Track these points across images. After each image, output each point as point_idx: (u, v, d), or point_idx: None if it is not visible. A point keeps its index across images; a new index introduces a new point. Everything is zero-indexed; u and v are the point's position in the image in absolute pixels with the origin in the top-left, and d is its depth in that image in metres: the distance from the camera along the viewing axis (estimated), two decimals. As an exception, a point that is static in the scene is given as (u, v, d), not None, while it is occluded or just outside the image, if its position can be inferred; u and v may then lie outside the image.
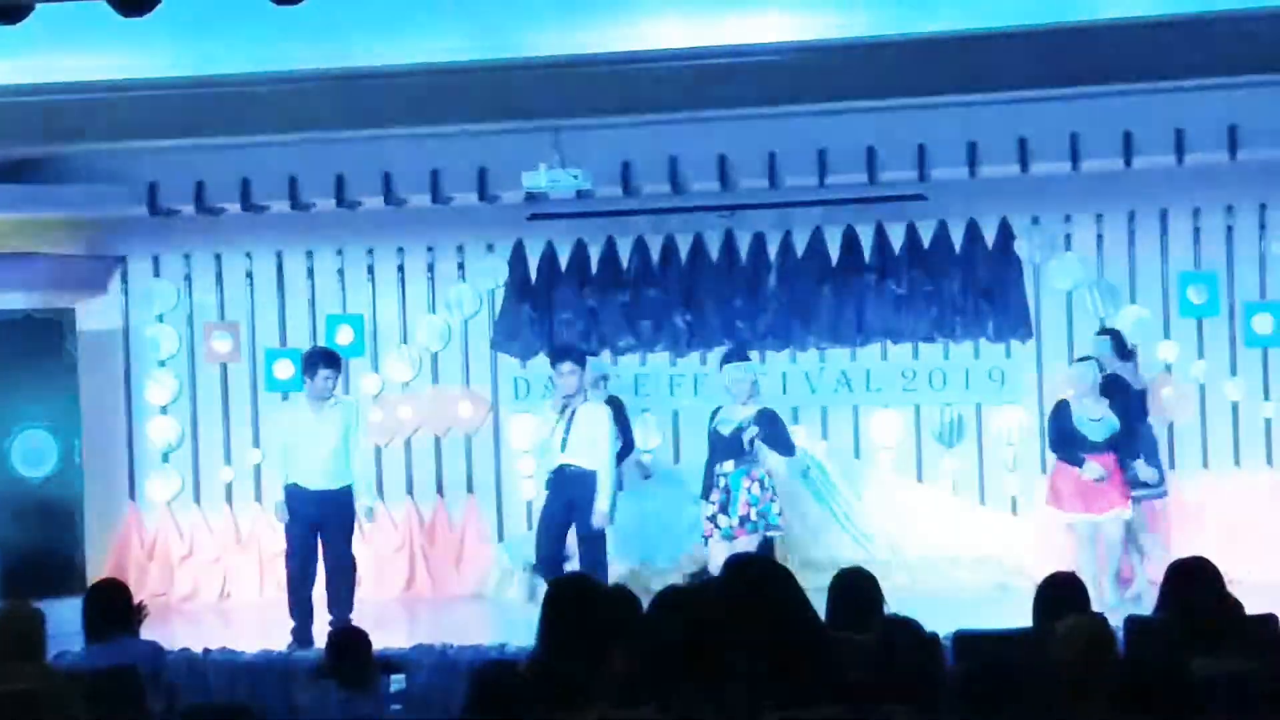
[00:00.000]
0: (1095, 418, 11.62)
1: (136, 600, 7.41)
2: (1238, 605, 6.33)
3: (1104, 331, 12.50)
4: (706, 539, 11.55)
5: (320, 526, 11.28)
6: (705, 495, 11.55)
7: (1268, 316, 12.90)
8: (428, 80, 10.45)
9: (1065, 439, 11.71)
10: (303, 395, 11.64)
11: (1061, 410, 11.79)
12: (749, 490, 11.37)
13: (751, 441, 11.44)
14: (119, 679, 6.70)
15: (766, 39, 10.02)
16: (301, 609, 11.27)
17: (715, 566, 11.22)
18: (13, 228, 13.10)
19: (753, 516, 11.37)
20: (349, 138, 11.72)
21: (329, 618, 11.19)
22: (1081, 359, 11.98)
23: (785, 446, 11.81)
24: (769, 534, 11.51)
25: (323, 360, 11.49)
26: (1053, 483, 11.89)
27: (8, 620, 6.32)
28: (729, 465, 11.43)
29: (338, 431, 11.30)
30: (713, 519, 11.43)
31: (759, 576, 5.99)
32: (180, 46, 10.16)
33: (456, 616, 11.70)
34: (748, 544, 11.26)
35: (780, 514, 11.54)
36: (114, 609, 7.07)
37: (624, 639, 5.74)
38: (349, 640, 7.53)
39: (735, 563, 6.24)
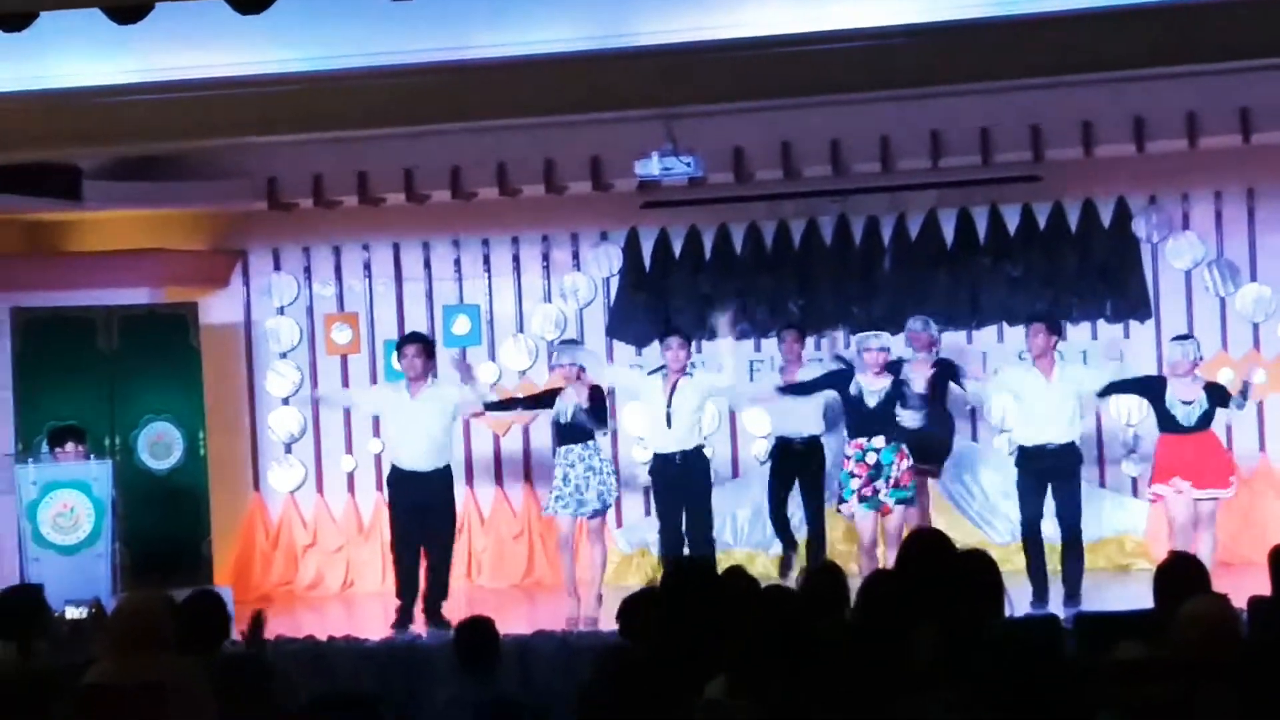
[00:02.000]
0: (1187, 400, 11.15)
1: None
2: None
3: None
4: (840, 509, 11.42)
5: (423, 509, 11.41)
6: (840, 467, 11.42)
7: (1392, 293, 12.74)
8: (540, 70, 10.49)
9: (1158, 417, 11.33)
10: (403, 380, 11.68)
11: (1153, 386, 11.37)
12: (900, 466, 11.26)
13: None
14: (248, 668, 6.79)
15: (874, 22, 9.98)
16: (406, 590, 11.41)
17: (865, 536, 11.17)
18: (136, 224, 13.37)
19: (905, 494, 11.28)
20: (463, 129, 11.81)
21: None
22: (1179, 338, 11.54)
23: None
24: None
25: (405, 340, 11.69)
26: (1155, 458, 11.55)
27: (139, 609, 6.42)
28: (879, 441, 11.33)
29: (435, 414, 11.41)
30: (858, 490, 11.23)
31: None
32: (296, 42, 10.28)
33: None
34: (898, 519, 11.22)
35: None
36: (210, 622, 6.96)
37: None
38: (477, 628, 7.61)
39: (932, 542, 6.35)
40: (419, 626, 11.18)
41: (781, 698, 5.44)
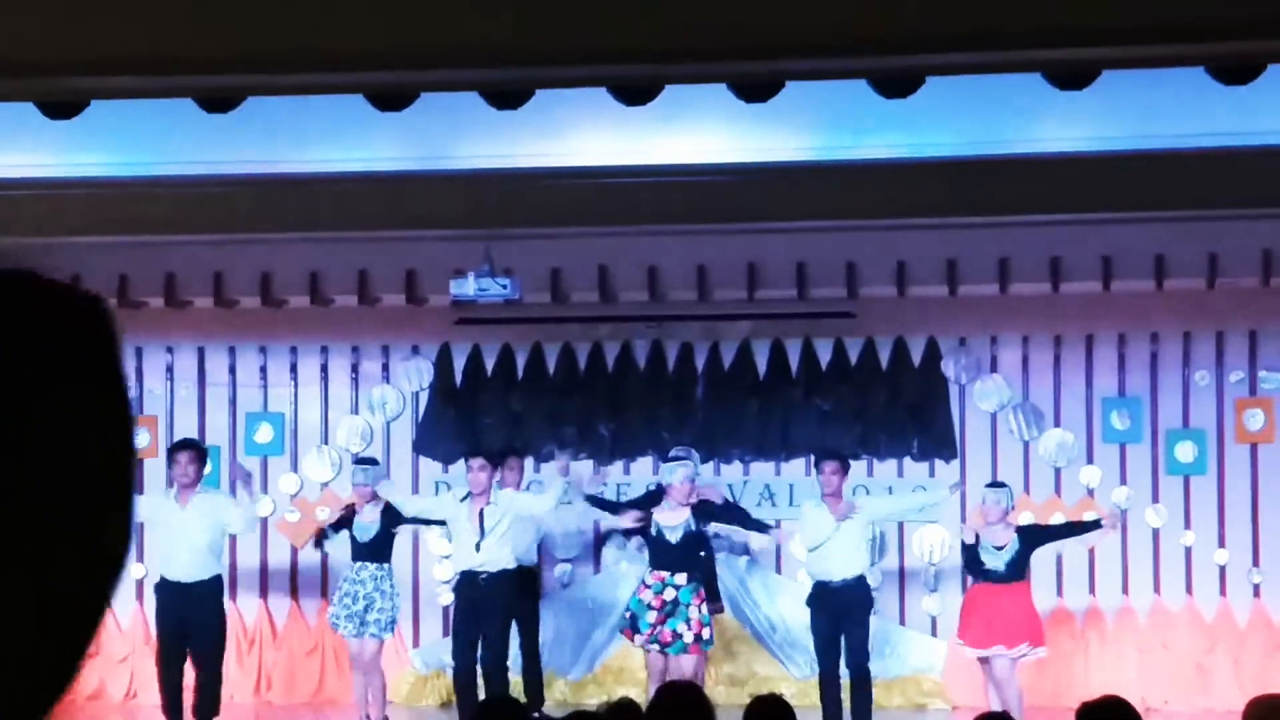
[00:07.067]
0: (999, 545, 11.23)
1: None
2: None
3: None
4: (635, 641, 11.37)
5: (189, 622, 11.03)
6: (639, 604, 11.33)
7: (1190, 444, 12.95)
8: (357, 187, 10.36)
9: (966, 566, 11.46)
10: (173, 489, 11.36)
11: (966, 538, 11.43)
12: (698, 607, 11.20)
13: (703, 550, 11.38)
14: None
15: (695, 159, 9.98)
16: (171, 708, 11.07)
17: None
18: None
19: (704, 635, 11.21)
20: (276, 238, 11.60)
21: None
22: (992, 484, 11.72)
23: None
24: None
25: (177, 446, 11.42)
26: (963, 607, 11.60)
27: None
28: (680, 578, 11.25)
29: (204, 524, 11.09)
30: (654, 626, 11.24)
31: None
32: (107, 146, 10.01)
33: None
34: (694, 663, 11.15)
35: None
36: None
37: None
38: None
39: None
40: None
41: None
